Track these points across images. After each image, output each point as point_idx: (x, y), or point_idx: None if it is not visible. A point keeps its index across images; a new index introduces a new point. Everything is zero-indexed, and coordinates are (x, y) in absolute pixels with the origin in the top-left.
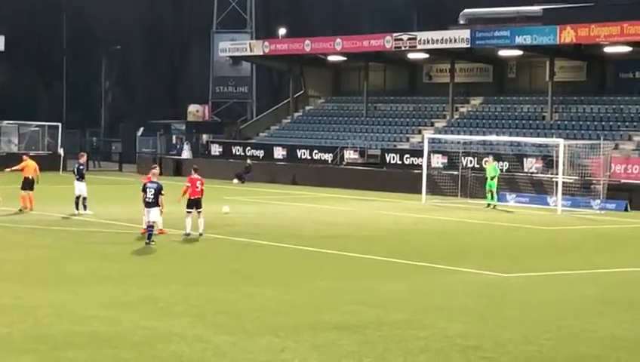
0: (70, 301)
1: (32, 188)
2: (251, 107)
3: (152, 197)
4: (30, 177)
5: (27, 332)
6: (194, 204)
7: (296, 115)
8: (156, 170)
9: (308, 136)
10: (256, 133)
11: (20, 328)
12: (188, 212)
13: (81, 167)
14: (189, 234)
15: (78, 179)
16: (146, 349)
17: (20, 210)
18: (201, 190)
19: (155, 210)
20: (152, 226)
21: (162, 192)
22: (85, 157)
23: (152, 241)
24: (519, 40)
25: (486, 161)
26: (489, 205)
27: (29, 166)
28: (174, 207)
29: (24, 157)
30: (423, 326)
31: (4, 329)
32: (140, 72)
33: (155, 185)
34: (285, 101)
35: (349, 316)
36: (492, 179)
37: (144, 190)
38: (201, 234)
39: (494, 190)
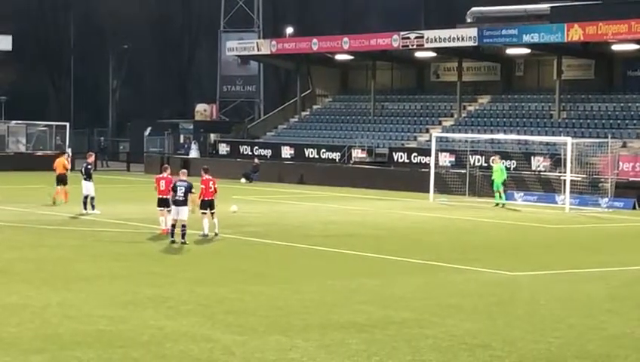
0: (79, 300)
1: (65, 183)
2: (259, 106)
3: (183, 195)
4: (59, 173)
5: (36, 331)
6: (207, 204)
7: (303, 114)
8: (185, 170)
9: (315, 135)
10: (263, 133)
11: (29, 327)
12: (203, 213)
13: (89, 167)
14: (206, 235)
15: (85, 179)
16: (154, 348)
17: (53, 203)
18: (214, 190)
19: (185, 209)
20: (185, 225)
21: (193, 190)
22: (93, 156)
23: (185, 241)
24: (527, 38)
25: (493, 160)
26: (497, 204)
27: (58, 163)
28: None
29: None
30: (431, 325)
31: (13, 328)
32: (148, 72)
33: (185, 184)
34: (293, 100)
35: (357, 315)
36: (500, 180)
37: (174, 189)
38: (216, 234)
39: (501, 190)
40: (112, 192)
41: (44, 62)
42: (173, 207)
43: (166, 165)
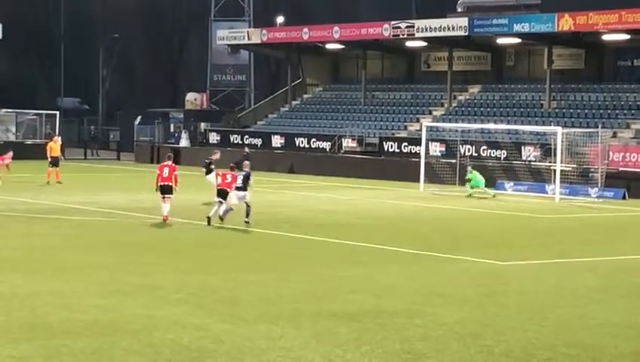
0: (68, 289)
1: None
2: (249, 95)
3: (242, 183)
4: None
5: (25, 320)
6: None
7: (294, 103)
8: (247, 162)
9: (306, 124)
10: (254, 122)
11: (18, 316)
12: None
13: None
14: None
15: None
16: (144, 337)
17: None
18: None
19: (240, 194)
20: (232, 209)
21: (250, 178)
22: (219, 154)
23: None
24: (517, 28)
25: (470, 171)
26: (470, 195)
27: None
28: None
29: None
30: (422, 314)
31: (2, 317)
32: (138, 61)
33: (244, 172)
34: (283, 89)
35: (348, 304)
36: (470, 184)
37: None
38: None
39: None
40: (102, 181)
41: (34, 51)
42: (232, 192)
43: (170, 153)
